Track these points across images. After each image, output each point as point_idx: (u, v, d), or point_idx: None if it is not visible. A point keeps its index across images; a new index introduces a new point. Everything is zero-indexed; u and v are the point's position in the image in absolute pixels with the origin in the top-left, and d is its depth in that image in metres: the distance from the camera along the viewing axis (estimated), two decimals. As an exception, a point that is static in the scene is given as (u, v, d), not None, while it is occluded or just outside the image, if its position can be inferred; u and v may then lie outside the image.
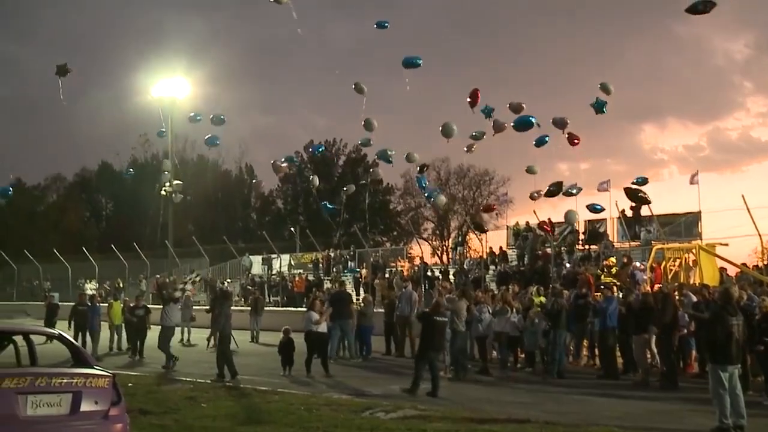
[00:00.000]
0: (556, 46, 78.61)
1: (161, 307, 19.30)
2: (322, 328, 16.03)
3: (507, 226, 33.79)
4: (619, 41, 77.32)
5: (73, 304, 21.95)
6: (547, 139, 20.40)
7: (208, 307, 17.93)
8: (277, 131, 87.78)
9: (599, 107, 18.03)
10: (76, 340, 18.78)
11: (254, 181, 67.56)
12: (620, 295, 17.49)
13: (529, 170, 15.89)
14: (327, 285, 29.12)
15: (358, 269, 33.60)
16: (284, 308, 30.90)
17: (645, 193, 14.70)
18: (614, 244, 26.91)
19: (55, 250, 41.84)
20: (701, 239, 24.29)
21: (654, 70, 77.91)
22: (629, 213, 26.79)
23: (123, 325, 21.25)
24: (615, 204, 26.20)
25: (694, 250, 20.65)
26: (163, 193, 36.53)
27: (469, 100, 20.52)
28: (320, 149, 50.12)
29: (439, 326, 13.37)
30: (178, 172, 38.36)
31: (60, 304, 26.88)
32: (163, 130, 34.60)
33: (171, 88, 36.71)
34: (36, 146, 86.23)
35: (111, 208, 72.53)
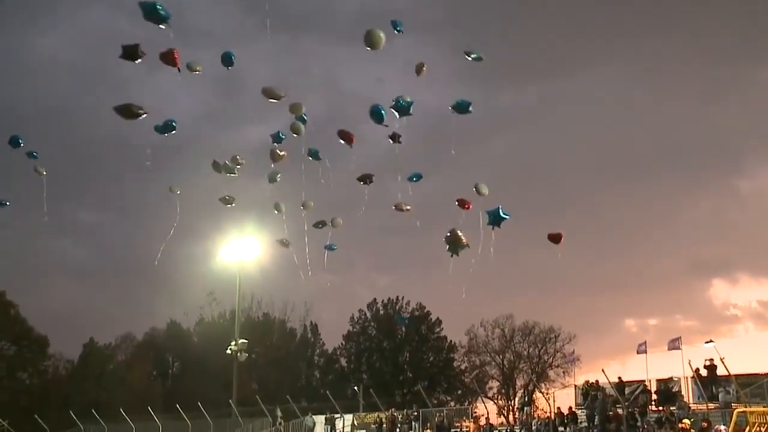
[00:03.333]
0: (617, 202, 79.10)
1: None
2: None
3: (575, 385, 32.80)
4: (680, 198, 77.47)
5: None
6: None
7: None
8: (341, 290, 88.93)
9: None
10: None
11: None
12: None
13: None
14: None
15: None
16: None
17: None
18: (690, 405, 25.69)
19: (122, 410, 42.19)
20: (787, 401, 23.04)
21: (720, 225, 77.29)
22: (704, 372, 25.79)
23: None
24: (689, 363, 25.35)
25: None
26: (228, 352, 37.14)
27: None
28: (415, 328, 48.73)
29: None
30: (243, 330, 38.93)
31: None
32: None
33: (240, 248, 38.18)
34: (111, 307, 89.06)
35: (177, 366, 73.32)
